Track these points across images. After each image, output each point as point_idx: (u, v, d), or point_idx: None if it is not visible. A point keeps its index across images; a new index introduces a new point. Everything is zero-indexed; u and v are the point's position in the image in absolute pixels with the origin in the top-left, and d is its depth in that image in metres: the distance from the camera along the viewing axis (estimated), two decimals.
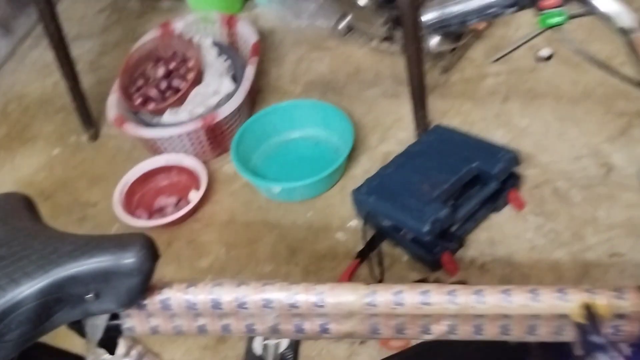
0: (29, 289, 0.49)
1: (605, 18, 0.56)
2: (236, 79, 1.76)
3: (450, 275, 1.38)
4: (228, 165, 1.75)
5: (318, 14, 2.07)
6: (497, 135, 1.65)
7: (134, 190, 1.68)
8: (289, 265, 1.49)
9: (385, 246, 1.47)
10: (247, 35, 1.85)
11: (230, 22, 1.90)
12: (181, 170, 1.71)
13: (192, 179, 1.69)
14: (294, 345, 0.80)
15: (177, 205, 1.66)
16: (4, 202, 0.62)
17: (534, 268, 1.36)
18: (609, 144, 1.57)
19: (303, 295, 0.55)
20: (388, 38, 1.91)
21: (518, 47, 0.75)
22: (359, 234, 1.48)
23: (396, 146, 1.69)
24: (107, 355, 0.59)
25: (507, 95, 1.76)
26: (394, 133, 1.74)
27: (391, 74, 1.91)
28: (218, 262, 1.53)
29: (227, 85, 1.71)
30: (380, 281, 1.40)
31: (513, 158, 1.43)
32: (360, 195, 1.45)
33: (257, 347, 0.82)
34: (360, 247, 1.46)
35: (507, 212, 1.48)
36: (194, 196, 1.64)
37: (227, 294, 0.56)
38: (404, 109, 1.76)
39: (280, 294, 0.55)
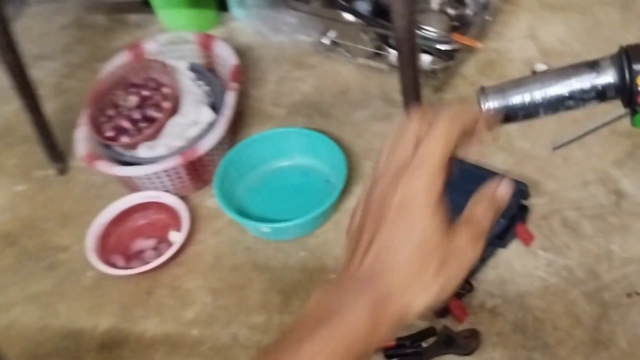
0: None
1: None
2: (216, 106, 1.62)
3: (459, 322, 1.27)
4: (211, 199, 1.62)
5: (299, 29, 1.94)
6: (498, 161, 1.55)
7: (109, 232, 1.54)
8: (283, 314, 1.37)
9: None
10: (225, 57, 1.72)
11: (206, 43, 1.76)
12: (159, 207, 1.58)
13: (172, 217, 1.56)
14: None
15: (157, 248, 1.53)
16: None
17: (548, 312, 1.27)
18: (617, 169, 1.48)
19: None
20: (376, 54, 1.80)
21: (586, 134, 0.65)
22: None
23: None
24: None
25: None
26: None
27: (381, 93, 1.79)
28: (205, 313, 1.40)
29: (206, 114, 1.58)
30: None
31: (522, 191, 1.34)
32: None
33: None
34: None
35: (515, 247, 1.39)
36: (175, 237, 1.51)
37: None
38: None
39: None
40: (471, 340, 1.24)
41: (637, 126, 0.49)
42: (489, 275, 1.35)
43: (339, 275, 0.48)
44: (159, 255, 1.48)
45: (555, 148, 1.40)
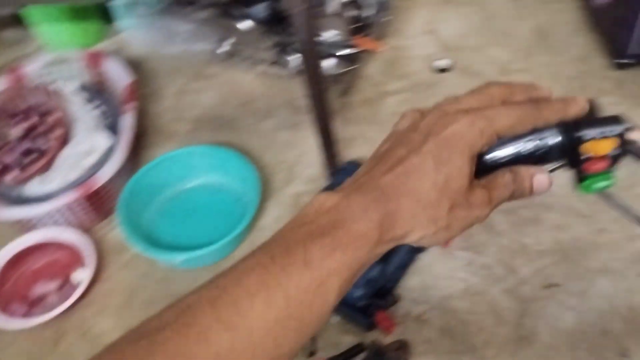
0: None
1: None
2: (112, 128, 1.51)
3: (387, 333, 1.26)
4: (116, 230, 1.51)
5: (195, 38, 1.85)
6: None
7: (4, 278, 1.41)
8: None
9: None
10: (117, 74, 1.61)
11: (94, 60, 1.63)
12: (59, 245, 1.46)
13: (75, 254, 1.44)
14: None
15: (61, 290, 1.41)
16: None
17: (473, 312, 1.27)
18: None
19: None
20: (277, 62, 1.74)
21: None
22: None
23: (305, 186, 1.54)
24: None
25: None
26: (300, 171, 1.58)
27: (285, 101, 1.74)
28: None
29: (102, 140, 1.46)
30: (313, 352, 1.25)
31: None
32: None
33: None
34: None
35: (435, 250, 1.38)
36: (80, 276, 1.40)
37: None
38: (307, 141, 1.61)
39: None
40: (400, 351, 1.22)
41: (583, 191, 0.47)
42: (411, 282, 1.34)
43: (350, 184, 0.47)
44: (64, 298, 1.37)
45: None
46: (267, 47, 1.71)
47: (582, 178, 0.47)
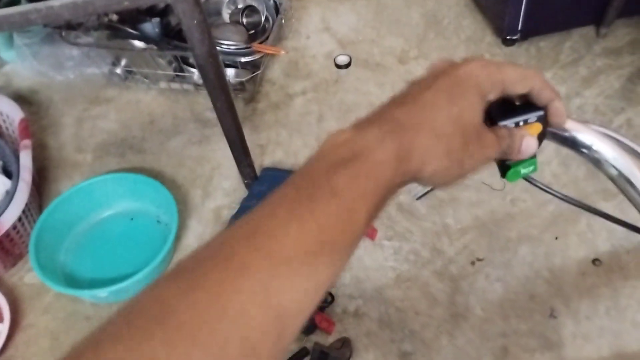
0: None
1: (596, 162, 0.45)
2: (7, 170, 1.42)
3: (328, 334, 1.26)
4: (31, 273, 1.42)
5: (86, 62, 1.77)
6: None
7: None
8: None
9: None
10: (7, 111, 1.51)
11: None
12: None
13: None
14: None
15: None
16: None
17: (407, 299, 1.30)
18: None
19: None
20: (177, 76, 1.70)
21: None
22: None
23: (224, 199, 1.52)
24: None
25: (321, 113, 1.67)
26: (217, 184, 1.55)
27: (191, 116, 1.70)
28: None
29: (1, 182, 1.37)
30: None
31: None
32: None
33: None
34: None
35: (363, 244, 1.40)
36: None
37: None
38: (219, 153, 1.59)
39: None
40: (344, 349, 1.23)
41: (509, 179, 0.48)
42: (345, 278, 1.35)
43: (363, 120, 0.46)
44: None
45: (418, 198, 1.45)
46: (165, 63, 1.66)
47: (507, 167, 0.48)
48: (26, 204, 1.36)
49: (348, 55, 1.80)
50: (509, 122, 0.45)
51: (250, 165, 1.43)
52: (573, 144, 0.46)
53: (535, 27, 1.74)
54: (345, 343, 1.24)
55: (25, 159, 1.40)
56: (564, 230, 1.36)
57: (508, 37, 1.75)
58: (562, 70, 1.69)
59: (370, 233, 1.39)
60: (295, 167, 1.46)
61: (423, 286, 1.32)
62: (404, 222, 1.43)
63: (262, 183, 1.42)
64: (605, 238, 1.33)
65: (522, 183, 1.38)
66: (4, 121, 1.53)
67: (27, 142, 1.44)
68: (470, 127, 0.46)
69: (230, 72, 1.63)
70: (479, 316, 1.26)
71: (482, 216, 1.41)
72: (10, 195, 1.36)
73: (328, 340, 1.25)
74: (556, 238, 1.35)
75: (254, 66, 1.65)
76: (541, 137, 0.45)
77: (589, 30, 1.79)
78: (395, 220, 1.43)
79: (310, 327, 1.25)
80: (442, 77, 0.47)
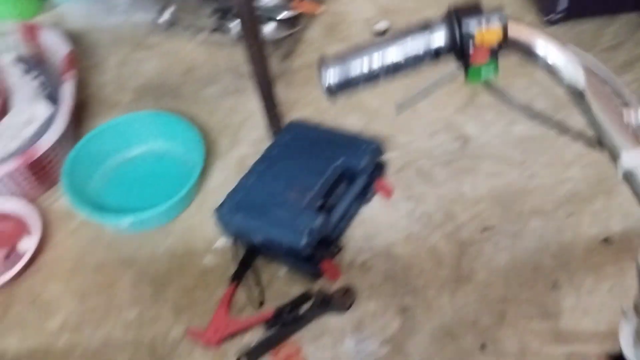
0: None
1: (551, 72, 0.48)
2: (52, 98, 1.50)
3: (332, 281, 1.30)
4: (61, 199, 1.51)
5: (134, 8, 1.84)
6: (351, 121, 1.59)
7: None
8: (157, 304, 1.32)
9: (260, 262, 1.35)
10: (55, 45, 1.59)
11: (31, 33, 1.62)
12: (4, 216, 1.45)
13: (19, 224, 1.44)
14: None
15: (8, 259, 1.40)
16: None
17: (414, 257, 1.33)
18: (460, 115, 1.58)
19: None
20: (218, 29, 1.76)
21: (424, 93, 0.66)
22: (229, 255, 1.35)
23: (250, 148, 1.57)
24: None
25: None
26: (245, 134, 1.61)
27: (228, 67, 1.76)
28: (72, 318, 1.32)
29: (42, 109, 1.46)
30: (262, 303, 1.28)
31: (377, 149, 1.38)
32: (225, 214, 1.31)
33: None
34: (232, 269, 1.33)
35: (377, 202, 1.43)
36: (27, 244, 1.40)
37: None
38: (251, 105, 1.63)
39: None
40: (346, 297, 1.27)
41: (471, 80, 0.51)
42: (356, 232, 1.39)
43: None
44: (11, 266, 1.36)
45: (399, 111, 1.46)
46: (207, 14, 1.72)
47: (469, 69, 0.51)
48: (63, 132, 1.44)
49: (387, 22, 1.82)
50: (472, 21, 0.48)
51: (278, 116, 1.48)
52: (529, 53, 0.48)
53: (579, 9, 1.72)
54: (348, 292, 1.28)
55: (67, 90, 1.48)
56: (578, 209, 1.36)
57: (550, 18, 1.74)
58: (601, 54, 1.68)
59: (386, 192, 1.42)
60: (321, 124, 1.51)
61: (431, 247, 1.35)
62: (422, 185, 1.45)
63: (286, 134, 1.46)
64: (619, 219, 1.33)
65: (542, 158, 1.38)
66: (51, 54, 1.61)
67: (71, 73, 1.51)
68: None
69: (267, 29, 1.67)
70: (482, 281, 1.28)
71: (498, 187, 1.43)
72: (50, 120, 1.44)
73: (332, 287, 1.29)
74: (569, 215, 1.35)
75: (291, 24, 1.69)
76: (501, 44, 0.48)
77: (633, 17, 1.76)
78: (413, 184, 1.46)
79: (316, 273, 1.30)
80: None
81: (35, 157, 1.39)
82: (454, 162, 1.48)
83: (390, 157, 1.50)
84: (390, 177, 1.47)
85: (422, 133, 1.55)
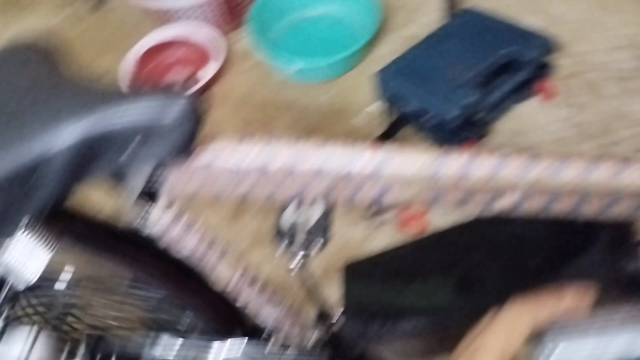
0: (69, 132, 0.44)
1: None
2: None
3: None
4: (242, 41, 1.66)
5: None
6: (531, 21, 1.55)
7: (145, 62, 1.60)
8: None
9: (407, 132, 1.41)
10: None
11: None
12: (193, 45, 1.62)
13: (204, 54, 1.61)
14: (324, 220, 0.76)
15: (187, 83, 1.59)
16: (26, 50, 0.56)
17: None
18: None
19: (360, 162, 0.50)
20: None
21: None
22: (377, 120, 1.42)
23: (422, 29, 1.59)
24: (148, 207, 0.55)
25: None
26: (420, 15, 1.64)
27: None
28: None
29: None
30: None
31: (547, 45, 1.35)
32: (387, 76, 1.37)
33: (286, 221, 0.78)
34: (379, 131, 1.40)
35: (535, 102, 1.42)
36: (206, 72, 1.57)
37: (279, 157, 0.51)
38: None
39: (334, 160, 0.50)
40: None
41: None
42: (506, 126, 1.40)
43: None
44: (188, 89, 1.54)
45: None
46: None
47: None
48: None
49: None
50: None
51: (456, 4, 1.49)
52: None
53: None
54: None
55: None
56: None
57: None
58: None
59: (549, 94, 1.40)
60: (500, 18, 1.49)
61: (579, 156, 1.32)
62: (586, 95, 1.41)
63: (460, 19, 1.46)
64: None
65: None
66: None
67: None
68: None
69: None
70: None
71: None
72: None
73: None
74: None
75: None
76: None
77: None
78: (578, 93, 1.42)
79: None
80: None
81: None
82: (628, 81, 1.42)
83: (562, 63, 1.46)
84: (556, 82, 1.43)
85: (602, 46, 1.48)
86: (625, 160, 0.47)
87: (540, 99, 1.41)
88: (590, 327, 0.44)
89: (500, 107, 1.38)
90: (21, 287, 0.56)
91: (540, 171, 0.47)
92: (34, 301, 0.73)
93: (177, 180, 0.53)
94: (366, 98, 1.49)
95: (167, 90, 0.48)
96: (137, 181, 0.51)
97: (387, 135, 1.40)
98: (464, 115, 1.26)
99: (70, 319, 0.78)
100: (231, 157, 0.51)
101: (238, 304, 0.70)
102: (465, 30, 1.43)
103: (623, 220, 0.53)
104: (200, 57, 1.62)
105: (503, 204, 0.51)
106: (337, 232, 1.32)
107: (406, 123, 1.41)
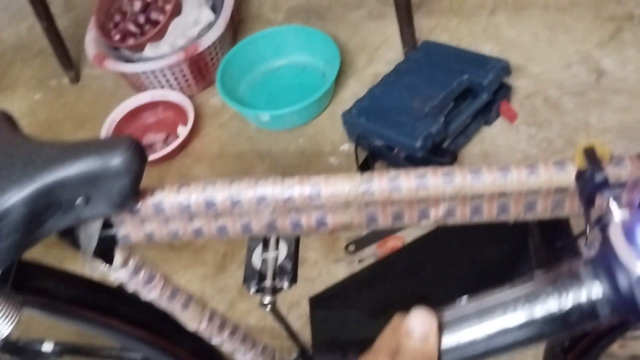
0: (16, 195, 0.48)
1: None
2: (215, 8, 1.71)
3: None
4: (214, 98, 1.72)
5: None
6: (486, 49, 1.62)
7: (121, 128, 1.66)
8: None
9: (379, 167, 1.46)
10: None
11: None
12: (167, 105, 1.69)
13: (179, 114, 1.67)
14: (293, 254, 0.80)
15: (166, 141, 1.64)
16: None
17: None
18: (599, 49, 1.55)
19: (298, 188, 0.54)
20: None
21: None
22: (352, 158, 1.47)
23: (385, 67, 1.66)
24: (104, 267, 0.58)
25: (494, 7, 1.72)
26: (381, 54, 1.71)
27: None
28: None
29: (206, 14, 1.66)
30: None
31: (503, 67, 1.41)
32: (351, 117, 1.43)
33: (256, 261, 0.81)
34: (353, 170, 1.45)
35: (499, 124, 1.47)
36: (183, 131, 1.62)
37: (220, 192, 0.55)
38: (391, 29, 1.72)
39: (274, 189, 0.54)
40: None
41: None
42: (473, 150, 1.44)
43: None
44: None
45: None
46: None
47: None
48: (221, 36, 1.63)
49: None
50: None
51: (412, 35, 1.56)
52: None
53: None
54: None
55: (228, 3, 1.67)
56: None
57: None
58: None
59: (510, 116, 1.46)
60: (457, 47, 1.56)
61: None
62: (547, 113, 1.46)
63: (419, 52, 1.53)
64: None
65: None
66: None
67: None
68: None
69: None
70: None
71: (627, 121, 1.40)
72: (211, 25, 1.64)
73: None
74: None
75: None
76: None
77: None
78: (539, 110, 1.47)
79: None
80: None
81: (196, 53, 1.60)
82: (585, 94, 1.47)
83: (520, 84, 1.52)
84: (517, 103, 1.49)
85: (556, 64, 1.55)
86: (534, 163, 0.51)
87: (504, 120, 1.47)
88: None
89: (466, 132, 1.44)
90: None
91: (460, 180, 0.51)
92: None
93: (130, 228, 0.56)
94: (339, 137, 1.54)
95: (108, 141, 0.52)
96: (88, 241, 0.54)
97: (364, 170, 1.44)
98: (428, 144, 1.31)
99: None
100: (178, 196, 0.55)
101: (213, 346, 0.72)
102: (424, 62, 1.50)
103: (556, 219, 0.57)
104: (177, 116, 1.68)
105: (437, 214, 0.55)
106: (320, 271, 1.35)
107: (377, 159, 1.45)
